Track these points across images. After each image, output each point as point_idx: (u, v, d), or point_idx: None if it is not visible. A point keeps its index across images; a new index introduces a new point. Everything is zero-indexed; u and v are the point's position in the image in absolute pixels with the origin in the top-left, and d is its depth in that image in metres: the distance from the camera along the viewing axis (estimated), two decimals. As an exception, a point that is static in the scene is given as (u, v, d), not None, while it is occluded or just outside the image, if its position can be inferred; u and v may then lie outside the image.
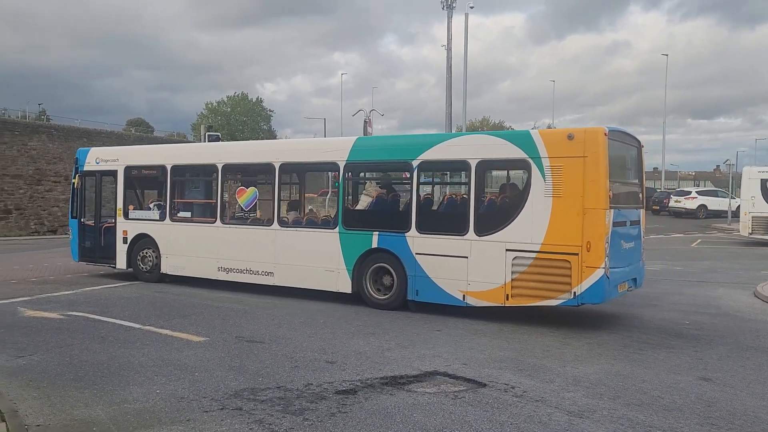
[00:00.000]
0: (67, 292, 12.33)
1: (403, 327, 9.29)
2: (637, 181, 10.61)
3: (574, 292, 8.91)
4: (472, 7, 34.14)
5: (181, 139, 56.01)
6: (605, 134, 8.90)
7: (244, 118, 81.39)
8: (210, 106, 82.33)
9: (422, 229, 10.34)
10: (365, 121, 21.54)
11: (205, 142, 18.89)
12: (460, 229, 9.91)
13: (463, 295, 9.90)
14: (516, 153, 9.43)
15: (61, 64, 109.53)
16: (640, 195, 10.60)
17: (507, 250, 9.42)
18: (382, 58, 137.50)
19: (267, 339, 8.36)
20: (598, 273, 8.76)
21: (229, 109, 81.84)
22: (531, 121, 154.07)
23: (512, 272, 9.37)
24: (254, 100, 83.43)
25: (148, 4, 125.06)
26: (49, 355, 7.38)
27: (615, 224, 9.09)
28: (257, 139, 66.89)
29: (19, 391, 5.96)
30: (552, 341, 8.48)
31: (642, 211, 10.50)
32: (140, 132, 55.21)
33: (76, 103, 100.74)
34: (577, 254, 8.86)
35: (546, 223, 9.13)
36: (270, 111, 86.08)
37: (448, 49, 43.47)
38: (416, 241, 10.35)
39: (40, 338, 8.22)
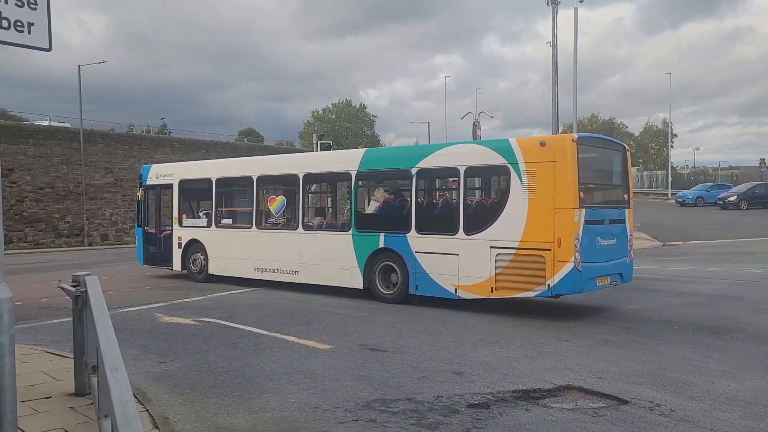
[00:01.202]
0: (197, 298, 12.98)
1: (527, 336, 8.99)
2: (620, 182, 11.59)
3: (548, 284, 9.95)
4: (581, 1, 32.85)
5: (289, 148, 57.89)
6: (573, 141, 9.99)
7: (348, 124, 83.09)
8: (316, 114, 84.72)
9: (420, 230, 11.65)
10: (474, 124, 21.27)
11: (317, 150, 19.36)
12: (451, 229, 11.14)
13: (455, 289, 11.08)
14: (497, 159, 10.62)
15: (179, 80, 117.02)
16: (625, 195, 11.50)
17: (491, 247, 10.58)
18: (484, 59, 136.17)
19: (390, 347, 8.34)
20: (569, 266, 9.81)
21: (333, 116, 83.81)
22: (644, 116, 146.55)
23: (496, 267, 10.53)
24: (358, 106, 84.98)
25: (257, 18, 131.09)
26: (188, 361, 7.73)
27: (588, 222, 10.07)
28: (362, 144, 68.05)
29: (165, 396, 6.25)
30: (693, 354, 7.88)
31: (628, 211, 11.38)
32: (252, 142, 57.50)
33: (192, 116, 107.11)
34: (549, 250, 9.92)
35: (523, 222, 10.23)
36: (373, 116, 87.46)
37: (554, 46, 42.16)
38: (415, 240, 11.66)
39: (178, 344, 8.65)
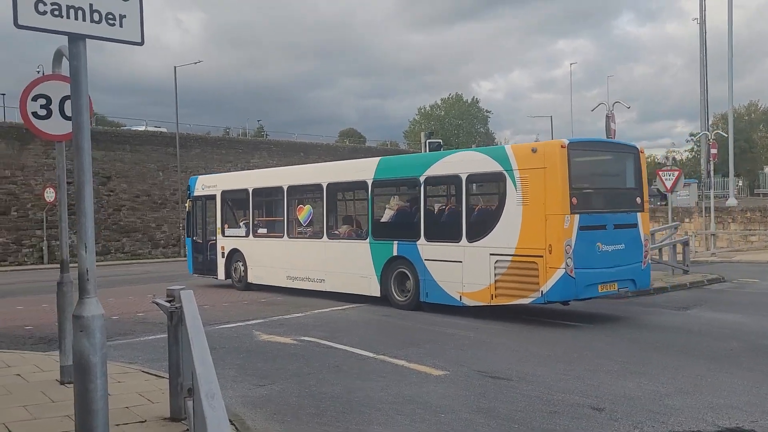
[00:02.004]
0: (296, 315, 13.24)
1: (679, 366, 8.38)
2: (631, 185, 12.39)
3: (542, 291, 10.93)
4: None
5: (393, 149, 58.28)
6: (562, 146, 10.97)
7: (459, 121, 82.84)
8: (423, 110, 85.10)
9: (428, 237, 12.91)
10: (607, 116, 20.39)
11: (425, 151, 19.30)
12: (455, 237, 12.31)
13: (460, 296, 12.27)
14: (495, 167, 11.71)
15: (277, 79, 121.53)
16: (638, 199, 12.27)
17: (490, 254, 11.64)
18: (616, 42, 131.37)
19: (514, 375, 8.04)
20: (560, 273, 10.75)
21: (442, 112, 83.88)
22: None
23: (495, 274, 11.62)
24: (469, 101, 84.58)
25: (359, 10, 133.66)
26: (288, 384, 7.82)
27: (584, 228, 10.99)
28: (475, 143, 67.54)
29: (264, 424, 6.32)
30: None
31: (640, 215, 12.18)
32: (354, 143, 58.55)
33: (290, 117, 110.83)
34: (542, 256, 10.89)
35: (518, 228, 11.24)
36: (487, 112, 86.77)
37: (701, 23, 39.88)
38: (424, 248, 12.93)
39: (277, 365, 8.79)
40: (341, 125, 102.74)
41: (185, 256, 27.71)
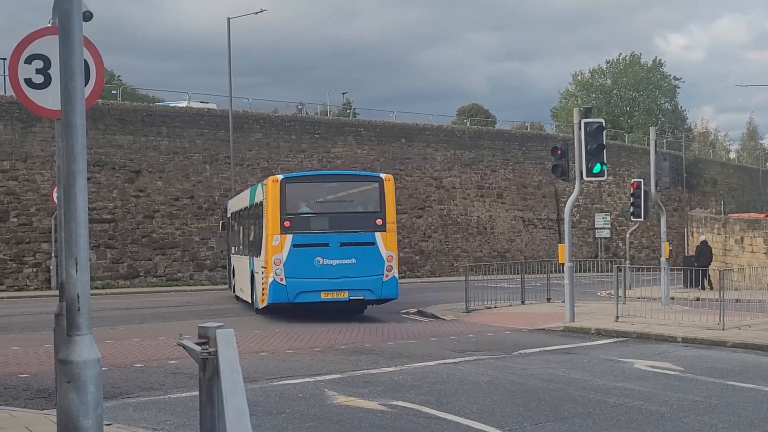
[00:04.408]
0: (388, 369, 13.25)
1: None
2: (372, 209, 21.39)
3: (266, 297, 20.91)
4: None
5: (535, 133, 57.75)
6: (275, 181, 20.98)
7: (634, 93, 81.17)
8: (580, 78, 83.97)
9: (242, 254, 26.53)
10: None
11: (581, 135, 18.88)
12: (256, 253, 22.56)
13: (256, 302, 22.56)
14: (258, 198, 22.26)
15: (372, 35, 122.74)
16: (379, 220, 20.99)
17: (262, 267, 21.24)
18: None
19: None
20: (271, 281, 20.48)
21: (608, 81, 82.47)
22: None
23: (261, 283, 21.49)
24: (650, 63, 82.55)
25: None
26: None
27: (298, 245, 20.42)
28: (657, 125, 65.93)
29: None
30: None
31: (382, 234, 21.01)
32: (477, 125, 58.28)
33: (390, 89, 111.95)
34: (267, 268, 20.59)
35: (264, 247, 21.09)
36: (676, 79, 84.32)
37: None
38: (254, 261, 23.28)
39: (356, 441, 8.77)
40: (462, 100, 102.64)
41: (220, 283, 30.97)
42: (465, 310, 22.94)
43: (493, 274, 28.12)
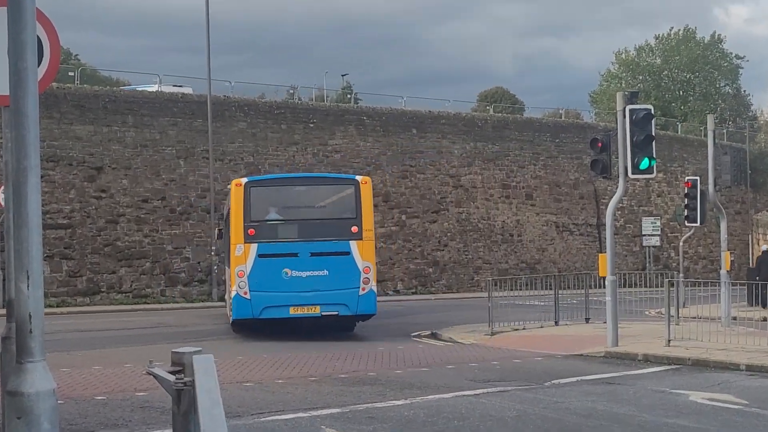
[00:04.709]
0: (397, 402, 13.22)
1: None
2: (347, 215, 22.16)
3: (229, 314, 22.88)
4: None
5: (570, 122, 57.61)
6: (238, 185, 22.06)
7: (688, 74, 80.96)
8: (624, 56, 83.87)
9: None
10: None
11: (626, 123, 18.85)
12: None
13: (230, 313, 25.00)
14: (229, 204, 24.05)
15: (378, 6, 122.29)
16: (355, 227, 21.69)
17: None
18: None
19: None
20: (234, 295, 21.46)
21: (658, 60, 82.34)
22: None
23: (230, 296, 23.05)
24: (707, 39, 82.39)
25: None
26: None
27: (264, 256, 21.27)
28: (716, 112, 65.78)
29: None
30: None
31: (357, 243, 21.81)
32: (501, 112, 58.15)
33: (399, 70, 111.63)
34: (230, 280, 22.21)
35: (229, 257, 23.02)
36: (738, 58, 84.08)
37: None
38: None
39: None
40: (485, 83, 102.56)
41: (222, 300, 31.14)
42: (488, 332, 22.86)
43: (521, 289, 28.12)
